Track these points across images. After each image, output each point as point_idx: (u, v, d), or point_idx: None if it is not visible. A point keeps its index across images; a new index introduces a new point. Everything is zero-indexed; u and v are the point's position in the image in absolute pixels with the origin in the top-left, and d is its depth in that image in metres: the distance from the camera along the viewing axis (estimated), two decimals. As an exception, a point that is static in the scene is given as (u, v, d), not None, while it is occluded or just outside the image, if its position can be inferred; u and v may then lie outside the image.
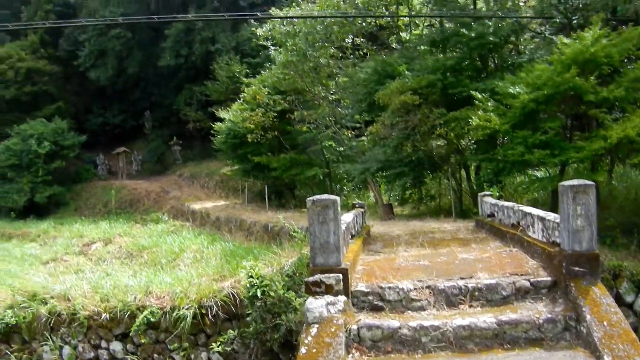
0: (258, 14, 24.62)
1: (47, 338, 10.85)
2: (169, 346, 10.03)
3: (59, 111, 36.60)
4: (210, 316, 9.95)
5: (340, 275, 6.67)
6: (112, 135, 36.53)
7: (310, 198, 6.95)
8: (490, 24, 16.13)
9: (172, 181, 27.19)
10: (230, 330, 9.77)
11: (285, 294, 8.81)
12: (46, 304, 11.18)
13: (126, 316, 10.30)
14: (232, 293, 10.18)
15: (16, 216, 31.16)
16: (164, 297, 10.53)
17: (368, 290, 7.08)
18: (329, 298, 6.43)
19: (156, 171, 32.97)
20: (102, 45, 37.12)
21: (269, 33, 20.20)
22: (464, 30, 16.35)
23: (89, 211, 27.41)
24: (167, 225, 17.68)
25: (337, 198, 7.00)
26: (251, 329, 9.22)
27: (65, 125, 34.59)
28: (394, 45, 21.10)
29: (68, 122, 35.40)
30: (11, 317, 11.12)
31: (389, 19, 20.01)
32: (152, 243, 14.96)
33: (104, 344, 10.53)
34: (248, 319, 9.33)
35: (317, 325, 6.12)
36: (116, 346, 10.36)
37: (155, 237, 15.76)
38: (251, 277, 9.34)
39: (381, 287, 7.08)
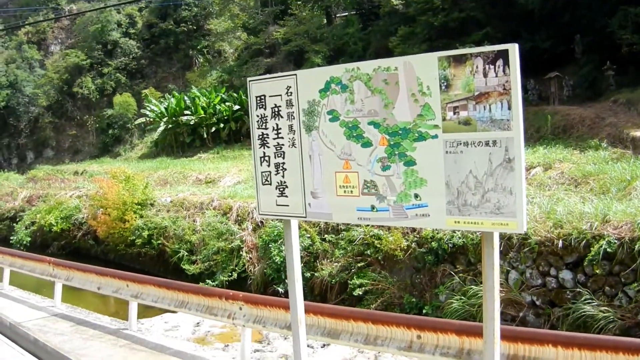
0: None
1: (495, 261, 11.13)
2: (622, 280, 9.35)
3: (486, 37, 36.81)
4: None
5: None
6: (541, 60, 35.68)
7: None
8: None
9: (605, 107, 24.87)
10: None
11: None
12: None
13: (580, 245, 9.91)
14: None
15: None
16: (621, 226, 9.73)
17: None
18: None
19: (587, 97, 30.57)
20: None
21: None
22: None
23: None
24: (607, 153, 16.21)
25: None
26: None
27: (499, 51, 34.98)
28: None
29: (498, 48, 35.83)
30: (459, 238, 11.53)
31: None
32: (597, 170, 13.89)
33: (552, 271, 10.40)
34: None
35: None
36: (566, 275, 10.14)
37: (600, 164, 14.55)
38: None
39: None
